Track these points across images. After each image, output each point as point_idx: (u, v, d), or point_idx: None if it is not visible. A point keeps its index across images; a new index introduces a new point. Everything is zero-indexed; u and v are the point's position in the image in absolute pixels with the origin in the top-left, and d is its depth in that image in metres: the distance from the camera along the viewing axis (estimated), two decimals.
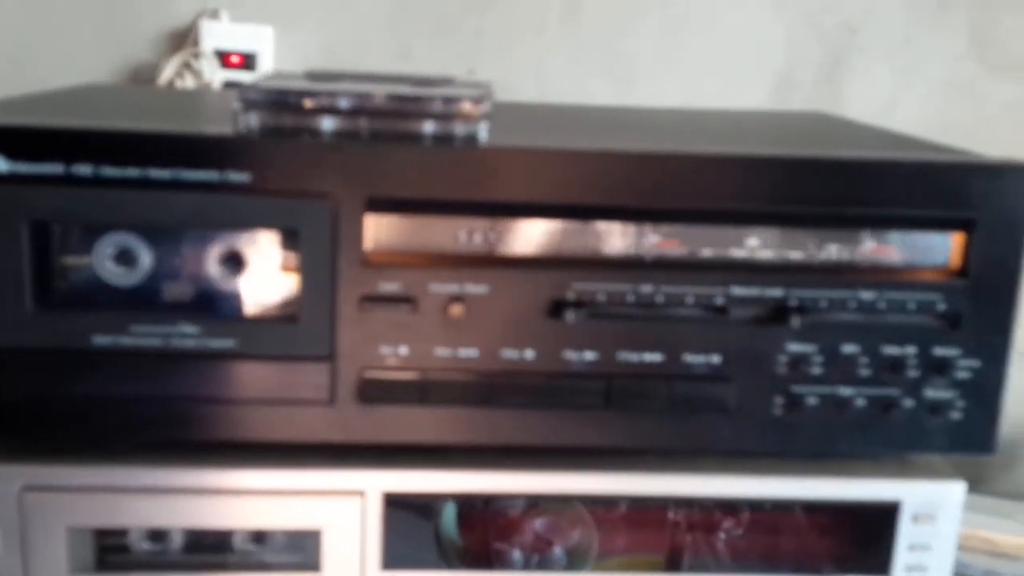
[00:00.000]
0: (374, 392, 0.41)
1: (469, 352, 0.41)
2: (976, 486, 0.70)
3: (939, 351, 0.42)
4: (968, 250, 0.41)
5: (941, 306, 0.42)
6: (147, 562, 0.43)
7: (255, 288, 0.42)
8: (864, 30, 0.75)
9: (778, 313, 0.41)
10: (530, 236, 0.42)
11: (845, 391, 0.42)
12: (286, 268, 0.42)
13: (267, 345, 0.41)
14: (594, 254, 0.42)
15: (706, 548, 0.45)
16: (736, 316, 0.42)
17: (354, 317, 0.41)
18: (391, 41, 0.75)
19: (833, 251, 0.42)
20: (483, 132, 0.41)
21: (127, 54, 0.75)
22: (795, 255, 0.42)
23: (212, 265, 0.42)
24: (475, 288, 0.41)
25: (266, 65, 0.74)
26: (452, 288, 0.41)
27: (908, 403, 0.42)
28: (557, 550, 0.44)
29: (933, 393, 0.42)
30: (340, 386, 0.41)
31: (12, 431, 0.41)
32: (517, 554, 0.44)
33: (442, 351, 0.41)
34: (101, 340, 0.40)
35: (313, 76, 0.45)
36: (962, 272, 0.42)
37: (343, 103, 0.41)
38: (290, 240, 0.41)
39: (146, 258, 0.41)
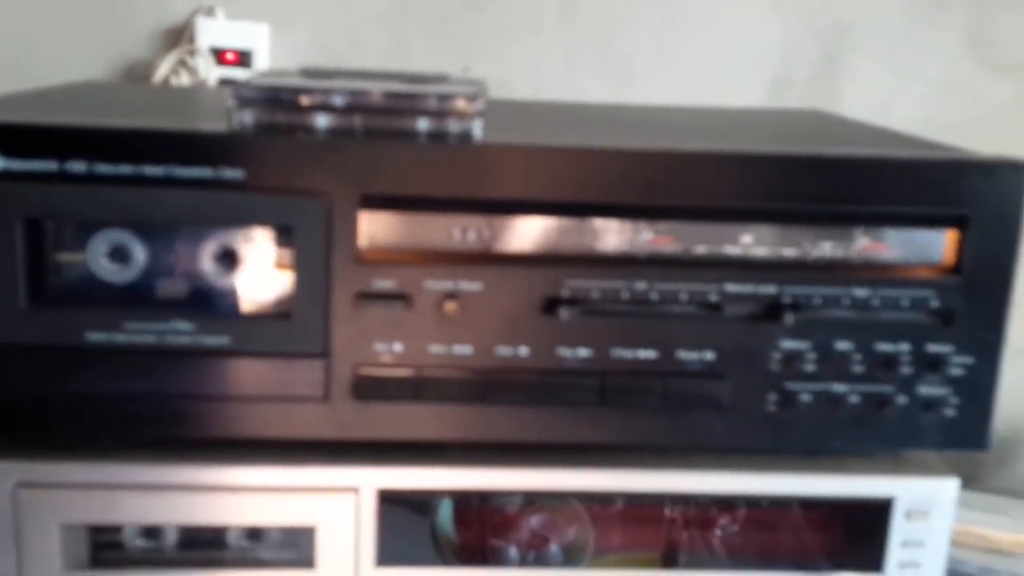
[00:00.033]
0: (369, 389, 0.41)
1: (463, 349, 0.41)
2: (971, 483, 0.71)
3: (932, 348, 0.42)
4: (962, 247, 0.41)
5: (935, 303, 0.42)
6: (141, 559, 0.43)
7: (249, 285, 0.42)
8: (860, 29, 0.75)
9: (772, 310, 0.41)
10: (524, 233, 0.42)
11: (839, 388, 0.42)
12: (280, 265, 0.42)
13: (261, 342, 0.41)
14: (588, 251, 0.42)
15: (701, 545, 0.45)
16: (730, 313, 0.42)
17: (348, 314, 0.41)
18: (387, 39, 0.75)
19: (827, 248, 0.42)
20: (477, 129, 0.41)
21: (123, 51, 0.75)
22: (789, 252, 0.42)
23: (206, 262, 0.42)
24: (469, 285, 0.41)
25: (262, 62, 0.74)
26: (446, 285, 0.41)
27: (902, 400, 0.43)
28: (553, 547, 0.44)
29: (927, 390, 0.42)
30: (335, 383, 0.41)
31: (6, 428, 0.41)
32: (513, 551, 0.44)
33: (436, 348, 0.41)
34: (95, 337, 0.40)
35: (307, 73, 0.45)
36: (956, 269, 0.42)
37: (337, 100, 0.41)
38: (284, 237, 0.41)
39: (140, 255, 0.41)
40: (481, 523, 0.44)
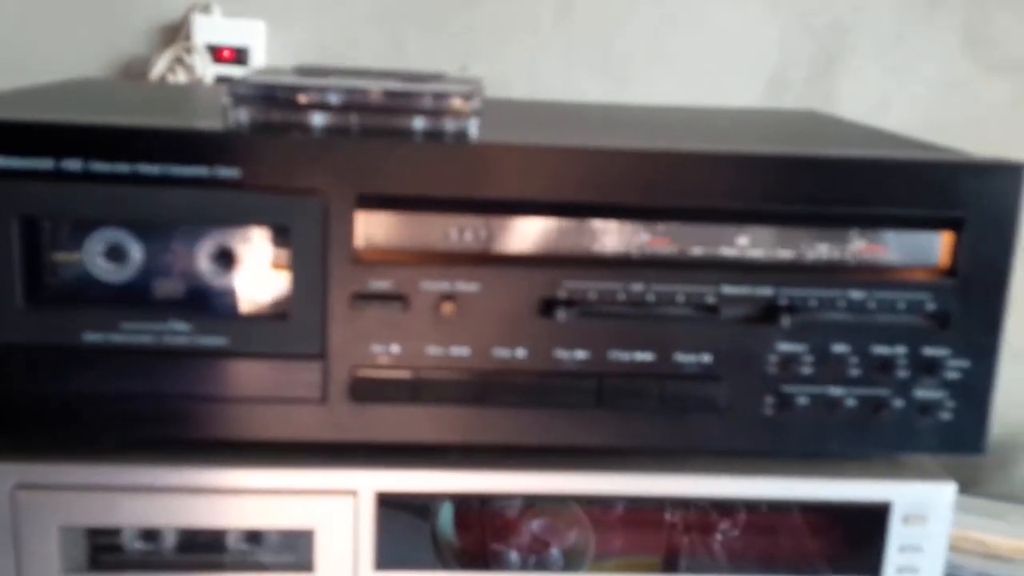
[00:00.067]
0: (366, 391, 0.41)
1: (461, 351, 0.41)
2: (969, 487, 0.71)
3: (929, 351, 0.42)
4: (957, 249, 0.41)
5: (930, 306, 0.42)
6: (140, 561, 0.43)
7: (246, 285, 0.42)
8: (856, 29, 0.75)
9: (768, 312, 0.41)
10: (521, 234, 0.42)
11: (835, 391, 0.42)
12: (277, 265, 0.41)
13: (258, 343, 0.41)
14: (585, 252, 0.42)
15: (700, 549, 0.45)
16: (727, 315, 0.42)
17: (345, 315, 0.40)
18: (384, 37, 0.75)
19: (823, 250, 0.42)
20: (473, 128, 0.41)
21: (119, 48, 0.75)
22: (785, 254, 0.42)
23: (203, 262, 0.42)
24: (466, 286, 0.41)
25: (258, 60, 0.74)
26: (443, 286, 0.41)
27: (898, 403, 0.42)
28: (554, 551, 0.44)
29: (923, 393, 0.42)
30: (332, 385, 0.41)
31: (3, 429, 0.41)
32: (514, 555, 0.44)
33: (434, 349, 0.41)
34: (92, 337, 0.40)
35: (303, 71, 0.45)
36: (951, 271, 0.42)
37: (333, 99, 0.40)
38: (281, 237, 0.41)
39: (137, 254, 0.41)
40: (482, 527, 0.44)
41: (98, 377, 0.40)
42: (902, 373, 0.42)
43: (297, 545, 0.43)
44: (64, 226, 0.41)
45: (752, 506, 0.44)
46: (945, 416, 0.43)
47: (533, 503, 0.44)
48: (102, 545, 0.43)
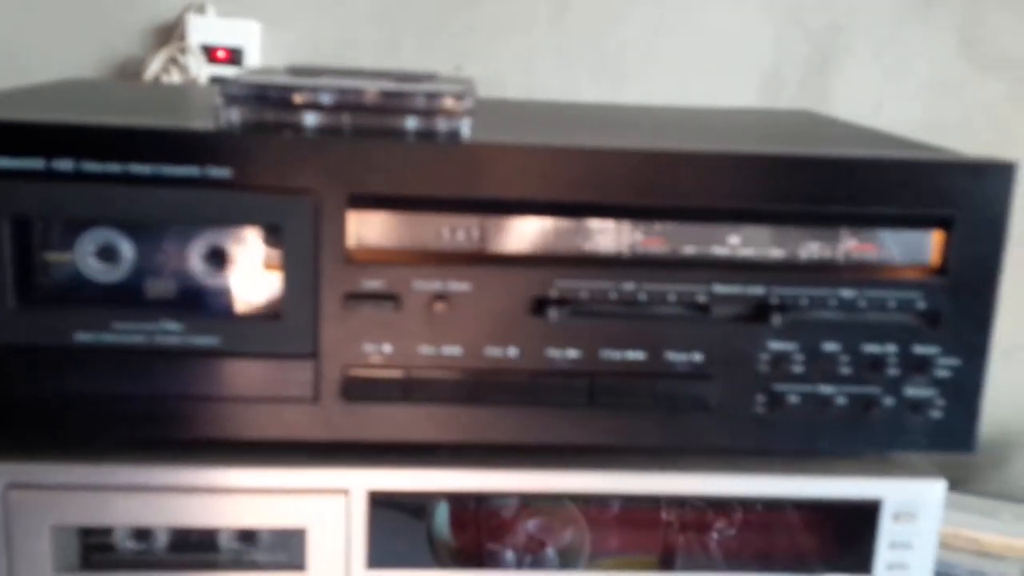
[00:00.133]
0: (358, 390, 0.41)
1: (453, 350, 0.41)
2: (962, 486, 0.71)
3: (919, 349, 0.42)
4: (948, 248, 0.41)
5: (921, 304, 0.42)
6: (132, 561, 0.43)
7: (238, 285, 0.42)
8: (851, 29, 0.75)
9: (759, 311, 0.42)
10: (513, 233, 0.42)
11: (826, 389, 0.42)
12: (269, 265, 0.41)
13: (250, 342, 0.41)
14: (577, 252, 0.42)
15: (695, 547, 0.45)
16: (718, 314, 0.42)
17: (337, 314, 0.41)
18: (379, 37, 0.75)
19: (814, 249, 0.42)
20: (466, 128, 0.41)
21: (113, 49, 0.75)
22: (776, 253, 0.42)
23: (195, 262, 0.42)
24: (458, 285, 0.41)
25: (253, 60, 0.74)
26: (436, 286, 0.41)
27: (889, 401, 0.43)
28: (549, 551, 0.44)
29: (913, 391, 0.43)
30: (324, 384, 0.41)
31: None
32: (510, 555, 0.44)
33: (426, 349, 0.41)
34: (83, 337, 0.40)
35: (296, 71, 0.45)
36: (942, 270, 0.42)
37: (325, 99, 0.40)
38: (273, 237, 0.41)
39: (128, 254, 0.41)
40: (477, 527, 0.44)
41: (90, 377, 0.40)
42: (893, 371, 0.42)
43: (289, 544, 0.43)
44: (55, 226, 0.41)
45: (744, 504, 0.44)
46: (935, 414, 0.43)
47: (529, 503, 0.44)
48: (94, 544, 0.43)
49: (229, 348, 0.41)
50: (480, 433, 0.42)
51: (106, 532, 0.43)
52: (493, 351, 0.41)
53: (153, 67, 0.73)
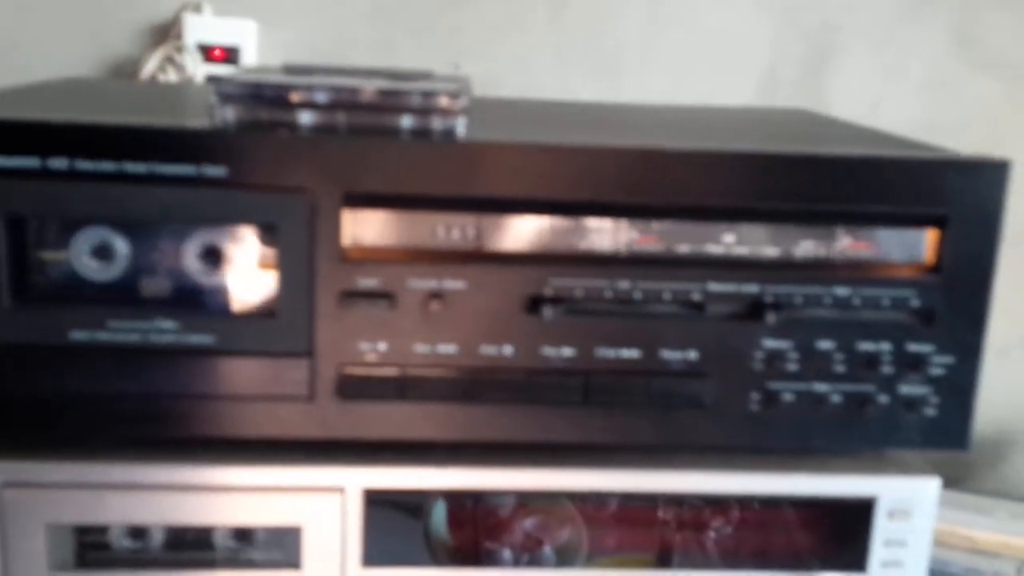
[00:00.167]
0: (353, 388, 0.41)
1: (448, 348, 0.41)
2: (958, 484, 0.71)
3: (913, 347, 0.42)
4: (942, 246, 0.41)
5: (915, 302, 0.42)
6: (127, 559, 0.43)
7: (234, 284, 0.42)
8: (847, 28, 0.75)
9: (754, 309, 0.42)
10: (508, 232, 0.42)
11: (820, 387, 0.42)
12: (264, 264, 0.41)
13: (246, 341, 0.41)
14: (572, 250, 0.42)
15: (692, 546, 0.45)
16: (713, 312, 0.42)
17: (333, 313, 0.41)
18: (375, 36, 0.75)
19: (808, 247, 0.42)
20: (461, 127, 0.41)
21: (109, 48, 0.75)
22: (771, 251, 0.42)
23: (190, 260, 0.42)
24: (454, 284, 0.41)
25: (249, 59, 0.74)
26: (431, 284, 0.41)
27: (883, 399, 0.43)
28: (546, 549, 0.44)
29: (908, 389, 0.43)
30: (319, 382, 0.41)
31: None
32: (507, 553, 0.44)
33: (421, 347, 0.41)
34: (78, 335, 0.40)
35: (291, 70, 0.45)
36: (936, 268, 0.42)
37: (321, 97, 0.40)
38: (268, 235, 0.41)
39: (123, 253, 0.41)
40: (475, 526, 0.44)
41: (85, 375, 0.40)
42: (887, 369, 0.42)
43: (285, 542, 0.43)
44: (51, 225, 0.41)
45: (740, 502, 0.45)
46: (930, 412, 0.43)
47: (526, 501, 0.44)
48: (89, 543, 0.43)
49: (224, 347, 0.41)
50: (475, 431, 0.42)
51: (101, 530, 0.43)
52: (488, 349, 0.41)
53: (149, 66, 0.73)
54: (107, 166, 0.39)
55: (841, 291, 0.42)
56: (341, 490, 0.42)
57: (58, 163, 0.39)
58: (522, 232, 0.42)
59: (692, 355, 0.42)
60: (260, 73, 0.44)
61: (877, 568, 0.45)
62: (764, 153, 0.42)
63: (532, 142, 0.41)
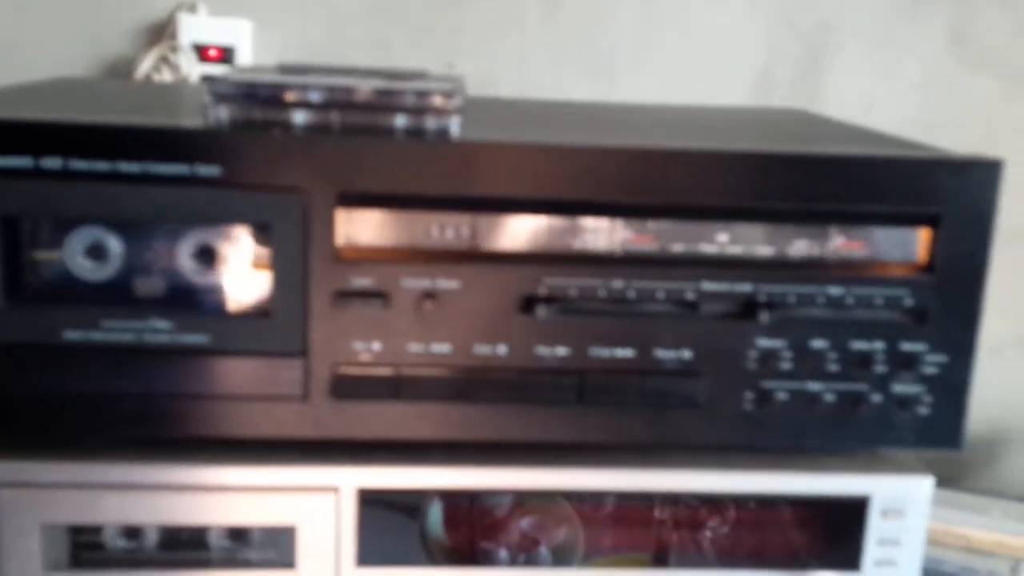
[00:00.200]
0: (347, 388, 0.41)
1: (442, 348, 0.41)
2: (953, 483, 0.71)
3: (906, 346, 0.42)
4: (935, 245, 0.42)
5: (908, 301, 0.42)
6: (122, 559, 0.43)
7: (228, 283, 0.42)
8: (842, 28, 0.75)
9: (748, 308, 0.42)
10: (502, 231, 0.42)
11: (814, 386, 0.42)
12: (258, 263, 0.41)
13: (240, 341, 0.41)
14: (565, 250, 0.42)
15: (688, 545, 0.45)
16: (706, 311, 0.42)
17: (327, 313, 0.41)
18: (371, 35, 0.75)
19: (802, 246, 0.42)
20: (455, 126, 0.41)
21: (104, 48, 0.75)
22: (764, 250, 0.42)
23: (184, 260, 0.42)
24: (447, 283, 0.41)
25: (244, 59, 0.74)
26: (425, 284, 0.41)
27: (876, 398, 0.43)
28: (543, 549, 0.44)
29: (901, 388, 0.43)
30: (313, 382, 0.41)
31: None
32: (503, 553, 0.44)
33: (415, 347, 0.41)
34: (72, 335, 0.40)
35: (285, 69, 0.45)
36: (929, 267, 0.42)
37: (315, 97, 0.40)
38: (262, 235, 0.41)
39: (117, 252, 0.41)
40: (471, 526, 0.44)
41: (79, 375, 0.40)
42: (880, 368, 0.42)
43: (279, 542, 0.43)
44: (44, 224, 0.41)
45: (735, 501, 0.45)
46: (923, 411, 0.43)
47: (522, 501, 0.44)
48: (84, 543, 0.43)
49: (218, 346, 0.41)
50: (469, 431, 0.42)
51: (96, 530, 0.43)
52: (482, 349, 0.41)
53: (144, 66, 0.73)
54: (101, 166, 0.39)
55: (834, 290, 0.42)
56: (335, 490, 0.42)
57: (52, 163, 0.39)
58: (516, 232, 0.42)
59: (686, 354, 0.42)
60: (254, 73, 0.44)
61: (871, 567, 0.45)
62: (758, 153, 0.42)
63: (526, 142, 0.41)
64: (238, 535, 0.43)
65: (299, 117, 0.40)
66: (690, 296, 0.42)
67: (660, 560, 0.45)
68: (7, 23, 0.74)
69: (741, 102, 0.75)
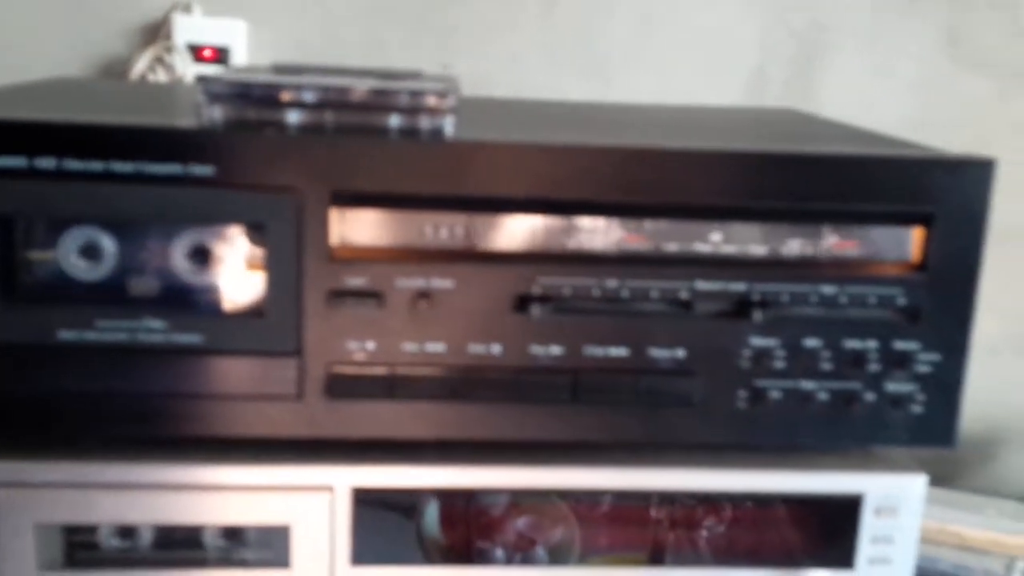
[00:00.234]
0: (342, 387, 0.41)
1: (436, 347, 0.41)
2: (948, 481, 0.71)
3: (900, 345, 0.42)
4: (928, 244, 0.42)
5: (901, 300, 0.42)
6: (116, 559, 0.43)
7: (222, 283, 0.42)
8: (836, 27, 0.75)
9: (741, 307, 0.42)
10: (496, 231, 0.42)
11: (807, 385, 0.43)
12: (252, 263, 0.41)
13: (234, 340, 0.41)
14: (560, 249, 0.42)
15: (684, 544, 0.45)
16: (700, 310, 0.42)
17: (321, 312, 0.41)
18: (366, 36, 0.75)
19: (795, 246, 0.43)
20: (449, 126, 0.41)
21: (99, 48, 0.74)
22: (758, 250, 0.42)
23: (178, 260, 0.42)
24: (441, 283, 0.41)
25: (239, 59, 0.74)
26: (419, 283, 0.41)
27: (869, 397, 0.43)
28: (539, 549, 0.44)
29: (894, 387, 0.43)
30: (308, 381, 0.41)
31: None
32: (500, 552, 0.44)
33: (409, 346, 0.41)
34: (66, 335, 0.40)
35: (279, 69, 0.45)
36: (922, 266, 0.42)
37: (308, 96, 0.41)
38: (256, 235, 0.41)
39: (111, 252, 0.41)
40: (467, 525, 0.44)
41: (73, 375, 0.40)
42: (873, 367, 0.42)
43: (274, 541, 0.43)
44: (38, 224, 0.41)
45: (731, 500, 0.45)
46: (916, 409, 0.43)
47: (519, 500, 0.44)
48: (78, 542, 0.43)
49: (213, 346, 0.41)
50: (464, 430, 0.42)
51: (90, 530, 0.43)
52: (476, 348, 0.41)
53: (139, 66, 0.72)
54: (95, 165, 0.39)
55: (828, 289, 0.42)
56: (330, 489, 0.42)
57: (46, 163, 0.39)
58: (510, 231, 0.42)
59: (680, 353, 0.42)
60: (248, 73, 0.44)
61: (864, 565, 0.45)
62: (752, 152, 0.42)
63: (520, 141, 0.41)
64: (233, 534, 0.43)
65: (293, 117, 0.40)
66: (684, 295, 0.42)
67: (656, 559, 0.45)
68: (1, 23, 0.74)
69: (735, 102, 0.75)
